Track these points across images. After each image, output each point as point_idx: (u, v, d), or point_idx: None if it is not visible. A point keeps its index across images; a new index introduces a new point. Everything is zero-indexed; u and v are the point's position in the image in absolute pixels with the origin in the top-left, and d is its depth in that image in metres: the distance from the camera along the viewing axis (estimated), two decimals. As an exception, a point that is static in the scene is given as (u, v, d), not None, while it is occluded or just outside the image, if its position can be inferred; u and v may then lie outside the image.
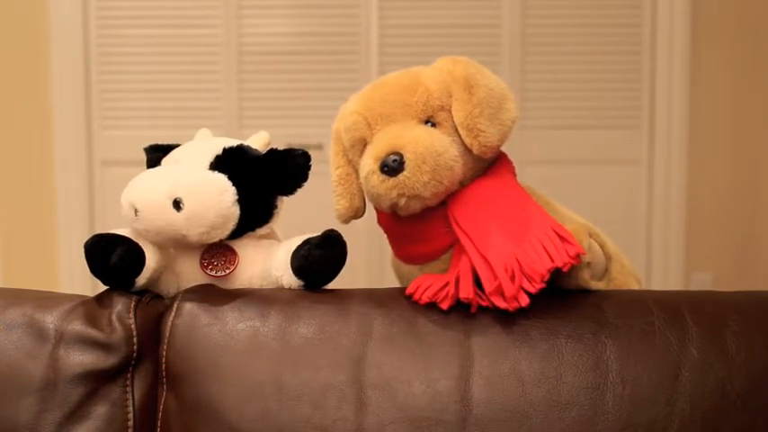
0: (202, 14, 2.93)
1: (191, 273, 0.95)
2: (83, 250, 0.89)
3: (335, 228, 0.94)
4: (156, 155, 0.99)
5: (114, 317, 0.88)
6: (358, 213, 0.98)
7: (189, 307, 0.89)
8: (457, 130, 0.91)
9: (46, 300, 0.91)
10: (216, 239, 0.92)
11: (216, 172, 0.92)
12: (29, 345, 0.87)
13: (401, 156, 0.87)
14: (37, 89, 2.90)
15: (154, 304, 0.92)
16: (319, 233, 0.94)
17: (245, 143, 0.97)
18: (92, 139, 2.92)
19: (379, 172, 0.88)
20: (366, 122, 0.92)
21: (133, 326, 0.88)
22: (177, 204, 0.88)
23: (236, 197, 0.91)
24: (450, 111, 0.91)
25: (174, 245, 0.93)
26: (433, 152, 0.87)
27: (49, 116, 2.90)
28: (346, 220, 0.98)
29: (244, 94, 2.93)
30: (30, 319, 0.88)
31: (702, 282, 2.97)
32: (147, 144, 1.02)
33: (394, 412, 0.82)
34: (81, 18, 2.88)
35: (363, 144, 0.93)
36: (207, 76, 2.94)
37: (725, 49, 2.96)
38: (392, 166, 0.87)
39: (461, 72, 0.92)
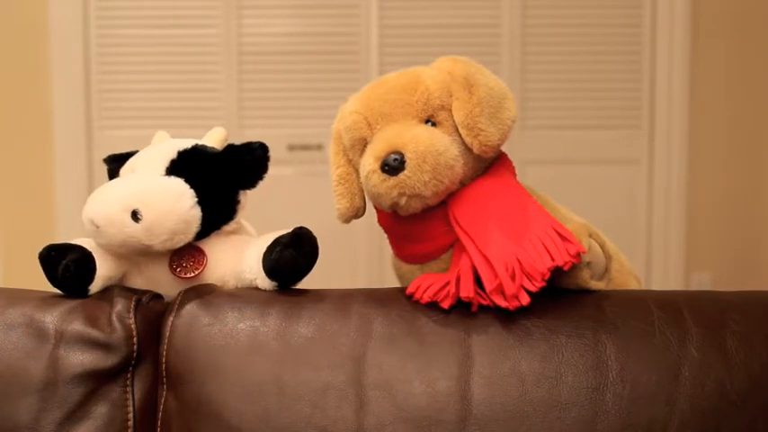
0: (202, 14, 2.92)
1: (161, 276, 0.95)
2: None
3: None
4: (115, 165, 0.99)
5: (114, 317, 0.88)
6: (358, 213, 0.97)
7: (189, 307, 0.89)
8: (457, 129, 0.91)
9: (46, 300, 0.91)
10: (181, 244, 0.92)
11: (172, 177, 0.91)
12: (29, 345, 0.87)
13: (402, 155, 0.87)
14: (37, 89, 2.90)
15: (154, 304, 0.92)
16: (289, 230, 0.93)
17: (201, 142, 0.96)
18: (92, 139, 2.92)
19: (379, 171, 0.88)
20: (366, 122, 0.92)
21: (133, 326, 0.88)
22: (135, 215, 0.88)
23: (196, 199, 0.91)
24: (450, 110, 0.91)
25: (141, 253, 0.93)
26: (433, 151, 0.87)
27: (49, 116, 2.89)
28: (347, 220, 0.98)
29: (244, 94, 2.93)
30: (30, 319, 0.88)
31: (702, 282, 2.97)
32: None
33: (394, 412, 0.82)
34: (81, 18, 2.87)
35: (364, 144, 0.93)
36: (207, 76, 2.94)
37: (725, 49, 2.96)
38: (393, 166, 0.87)
39: (461, 71, 0.92)
